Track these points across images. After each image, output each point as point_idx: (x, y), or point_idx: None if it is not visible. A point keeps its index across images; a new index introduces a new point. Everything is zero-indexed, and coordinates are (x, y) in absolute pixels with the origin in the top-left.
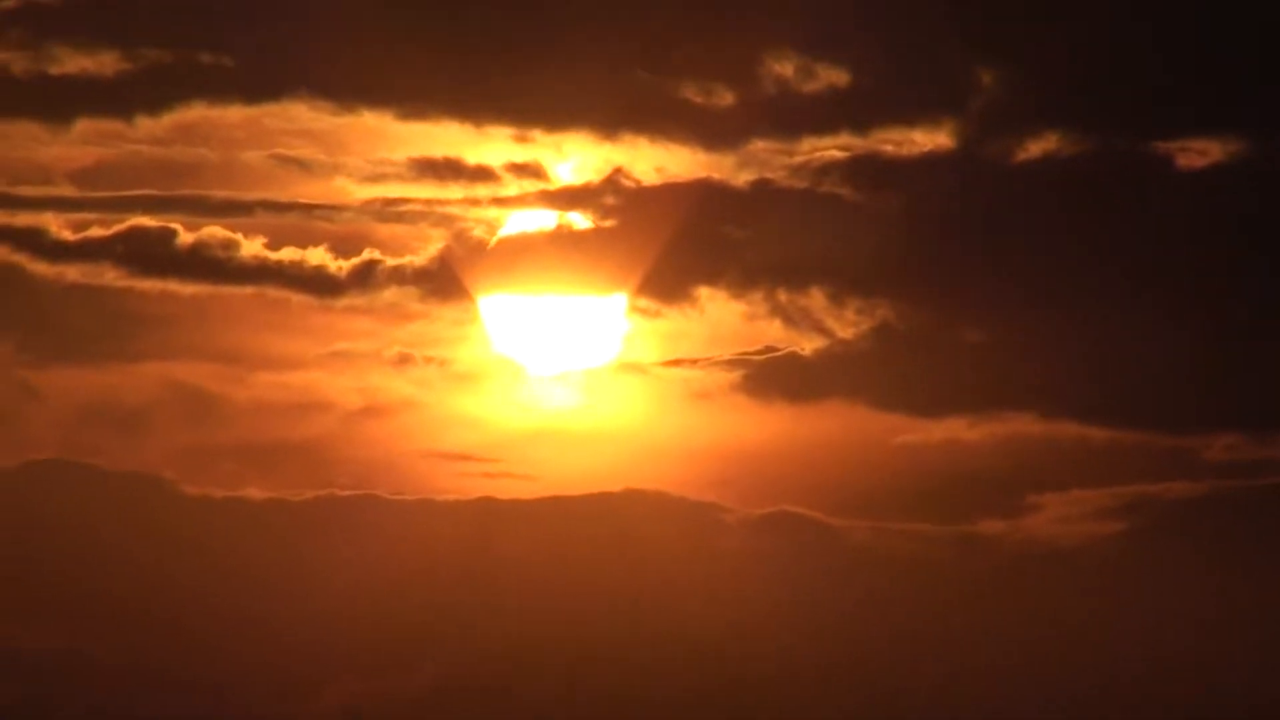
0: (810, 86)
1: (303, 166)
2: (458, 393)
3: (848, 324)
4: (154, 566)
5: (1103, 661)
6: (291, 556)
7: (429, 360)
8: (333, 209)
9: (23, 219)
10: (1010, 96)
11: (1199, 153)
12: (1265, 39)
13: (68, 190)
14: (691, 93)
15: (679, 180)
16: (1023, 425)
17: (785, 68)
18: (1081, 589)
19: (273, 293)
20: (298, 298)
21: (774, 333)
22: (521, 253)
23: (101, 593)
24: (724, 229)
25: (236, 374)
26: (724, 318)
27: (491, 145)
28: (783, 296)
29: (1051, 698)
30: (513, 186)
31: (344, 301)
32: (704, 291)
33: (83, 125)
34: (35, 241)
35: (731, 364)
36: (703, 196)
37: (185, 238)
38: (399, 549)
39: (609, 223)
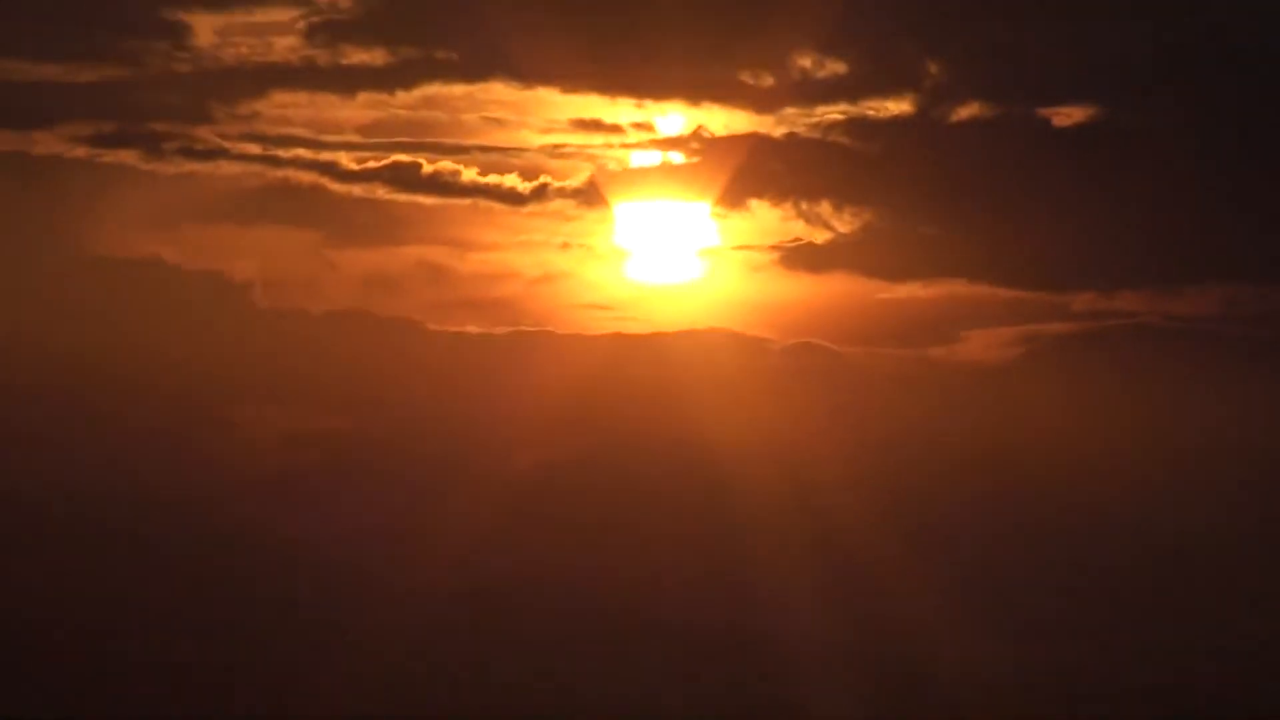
0: (822, 73)
1: (501, 124)
2: (599, 267)
3: (846, 223)
4: (416, 383)
5: (1006, 437)
6: (495, 371)
7: (581, 246)
8: (521, 151)
9: (324, 156)
10: (949, 79)
11: (1067, 115)
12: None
13: (353, 138)
14: (745, 77)
15: (739, 134)
16: (957, 287)
17: (806, 61)
18: (996, 394)
19: (483, 203)
20: (499, 206)
21: (799, 229)
22: (639, 178)
23: (373, 397)
24: (768, 164)
25: (460, 254)
26: (768, 219)
27: (620, 110)
28: (804, 206)
29: (977, 466)
30: (633, 136)
31: (528, 209)
32: (755, 203)
33: (363, 96)
34: (333, 170)
35: (773, 249)
36: (754, 144)
37: (428, 168)
38: (564, 364)
39: (695, 160)
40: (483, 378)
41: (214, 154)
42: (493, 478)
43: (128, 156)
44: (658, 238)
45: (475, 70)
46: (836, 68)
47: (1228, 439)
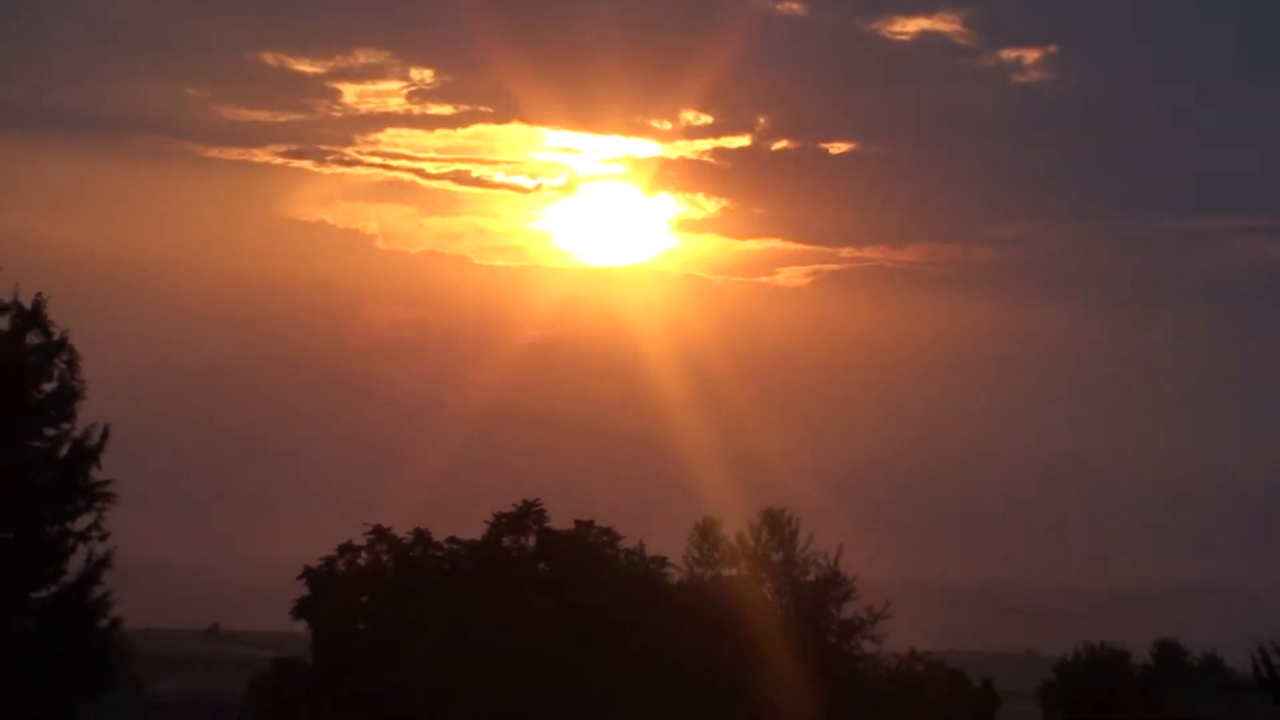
0: (698, 122)
1: (516, 147)
2: (575, 228)
3: (713, 207)
4: (465, 290)
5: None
6: (512, 288)
7: (563, 215)
8: (527, 162)
9: (416, 164)
10: (769, 124)
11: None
12: None
13: (433, 155)
14: (655, 123)
15: (652, 156)
16: (775, 243)
17: (690, 115)
18: (794, 305)
19: (507, 193)
20: (515, 194)
21: (686, 210)
22: (596, 180)
23: None
24: (668, 173)
25: (492, 220)
26: (668, 205)
27: (583, 139)
28: (688, 196)
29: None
30: (591, 155)
31: (531, 195)
32: (661, 194)
33: (438, 131)
34: (421, 172)
35: (672, 221)
36: (661, 163)
37: (475, 172)
38: (549, 284)
39: (626, 170)
40: (505, 290)
41: (354, 163)
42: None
43: (306, 163)
44: (609, 212)
45: (502, 118)
46: (706, 119)
47: (919, 337)
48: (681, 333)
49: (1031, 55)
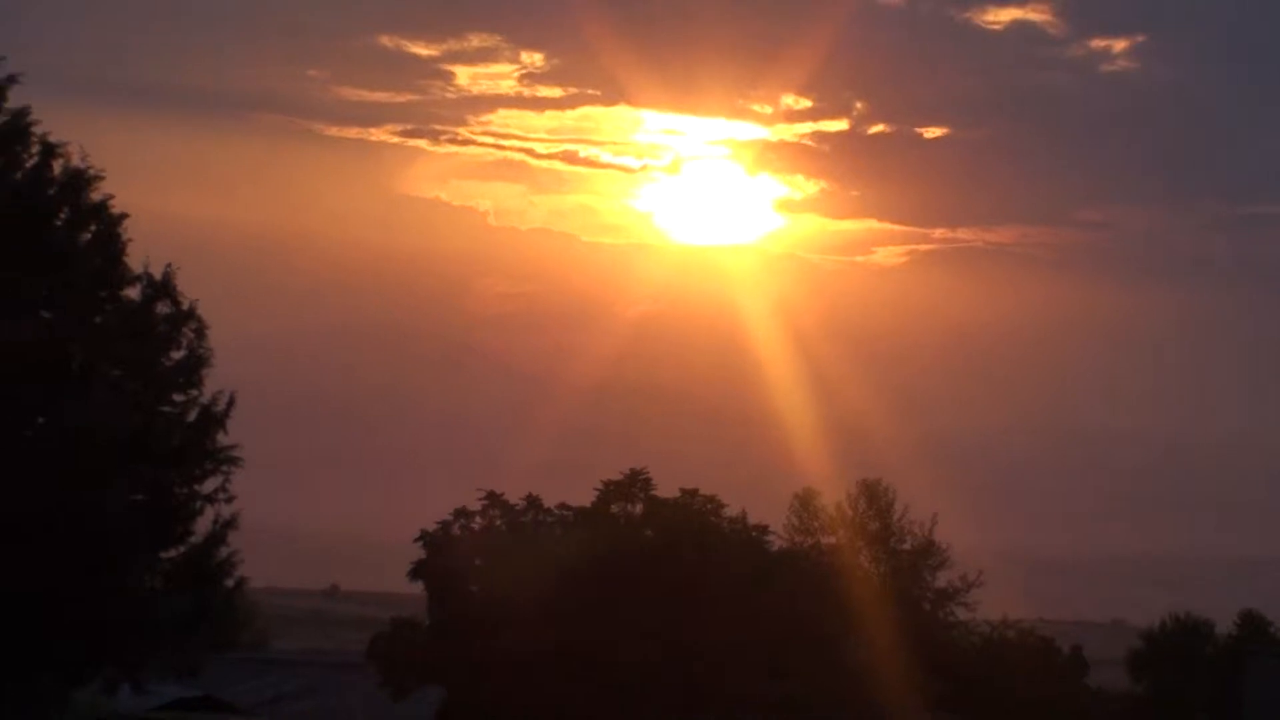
0: (798, 106)
1: (623, 129)
2: (678, 208)
3: (812, 188)
4: (572, 266)
5: (892, 301)
6: (613, 263)
7: (666, 195)
8: (633, 144)
9: (526, 145)
10: (867, 110)
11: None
12: None
13: (543, 135)
14: (756, 107)
15: (754, 140)
16: (872, 223)
17: (790, 99)
18: (891, 282)
19: (612, 173)
20: (621, 174)
21: (787, 193)
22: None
23: None
24: (768, 156)
25: (600, 199)
26: (770, 186)
27: (686, 121)
28: (788, 178)
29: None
30: (694, 137)
31: (636, 175)
32: (762, 175)
33: (548, 113)
34: (531, 152)
35: (774, 201)
36: (763, 146)
37: (583, 153)
38: (651, 260)
39: (728, 152)
40: (611, 267)
41: (467, 142)
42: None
43: (422, 142)
44: (711, 192)
45: (609, 100)
46: (806, 103)
47: (1009, 315)
48: (782, 309)
49: (1119, 44)
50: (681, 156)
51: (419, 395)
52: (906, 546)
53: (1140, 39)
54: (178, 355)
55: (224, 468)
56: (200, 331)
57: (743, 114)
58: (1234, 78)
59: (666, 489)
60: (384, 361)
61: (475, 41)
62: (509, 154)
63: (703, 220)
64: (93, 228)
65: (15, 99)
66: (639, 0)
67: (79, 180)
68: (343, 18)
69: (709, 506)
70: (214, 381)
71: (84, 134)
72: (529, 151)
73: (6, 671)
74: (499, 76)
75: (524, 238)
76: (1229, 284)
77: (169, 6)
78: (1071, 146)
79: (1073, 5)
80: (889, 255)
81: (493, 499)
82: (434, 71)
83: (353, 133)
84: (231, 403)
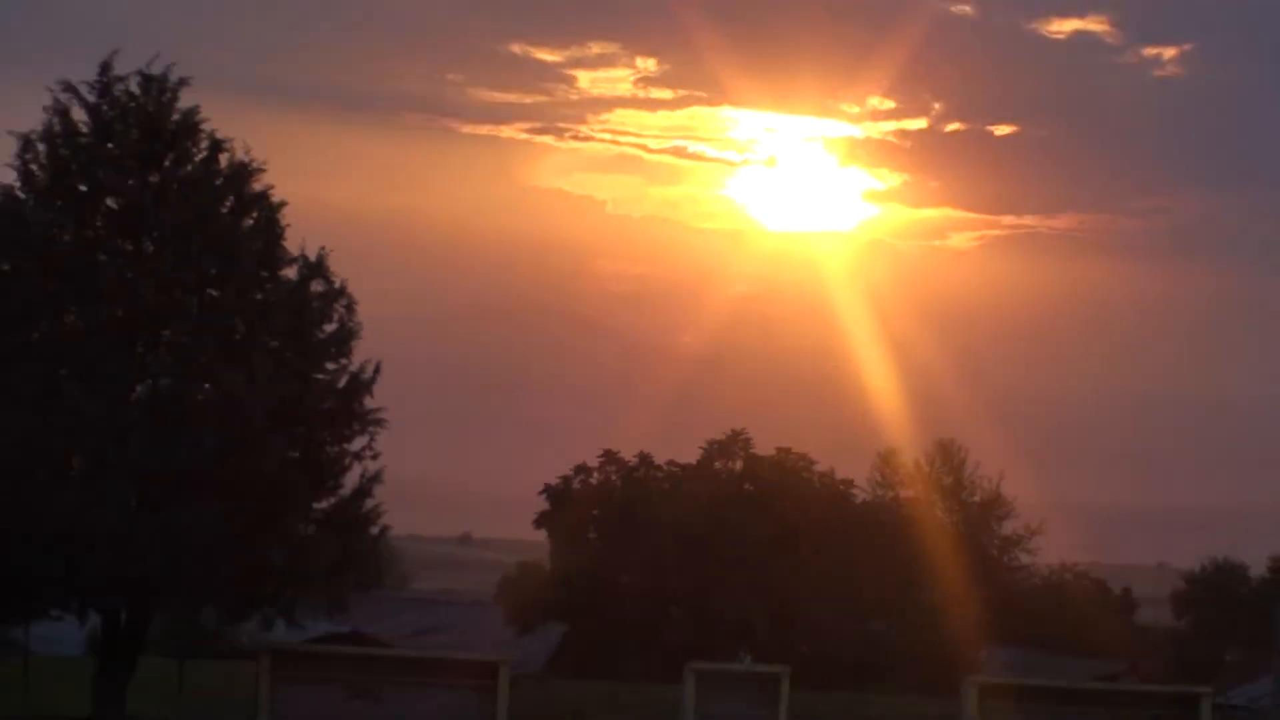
0: (882, 106)
1: (727, 127)
2: (777, 196)
3: (895, 180)
4: (679, 250)
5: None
6: (715, 248)
7: (767, 187)
8: (735, 139)
9: (641, 141)
10: (945, 110)
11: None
12: None
13: (656, 133)
14: (844, 106)
15: (841, 136)
16: (948, 211)
17: (875, 100)
18: (966, 264)
19: (717, 166)
20: (724, 167)
21: (872, 184)
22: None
23: None
24: (856, 152)
25: (705, 189)
26: (854, 177)
27: (782, 120)
28: (871, 171)
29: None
30: (791, 135)
31: (737, 168)
32: (847, 168)
33: (660, 113)
34: (645, 148)
35: (861, 193)
36: (852, 142)
37: (690, 149)
38: (750, 244)
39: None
40: (716, 251)
41: (588, 139)
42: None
43: (547, 139)
44: (805, 184)
45: (714, 101)
46: (889, 103)
47: (1070, 292)
48: (867, 289)
49: (1170, 52)
50: (777, 152)
51: (544, 364)
52: (976, 499)
53: (1188, 47)
54: (330, 328)
55: (370, 429)
56: (350, 307)
57: (833, 113)
58: (1273, 79)
59: (763, 448)
60: (514, 334)
61: (595, 49)
62: (625, 149)
63: (796, 209)
64: (254, 214)
65: (185, 99)
66: (742, 13)
67: (242, 172)
68: (478, 27)
69: (801, 463)
70: (362, 351)
71: (247, 130)
72: (643, 147)
73: (178, 609)
74: (616, 80)
75: (637, 225)
76: (1269, 263)
77: (323, 15)
78: (1125, 143)
79: (1129, 16)
80: (963, 240)
81: (609, 456)
82: (558, 75)
83: (485, 130)
84: (377, 371)
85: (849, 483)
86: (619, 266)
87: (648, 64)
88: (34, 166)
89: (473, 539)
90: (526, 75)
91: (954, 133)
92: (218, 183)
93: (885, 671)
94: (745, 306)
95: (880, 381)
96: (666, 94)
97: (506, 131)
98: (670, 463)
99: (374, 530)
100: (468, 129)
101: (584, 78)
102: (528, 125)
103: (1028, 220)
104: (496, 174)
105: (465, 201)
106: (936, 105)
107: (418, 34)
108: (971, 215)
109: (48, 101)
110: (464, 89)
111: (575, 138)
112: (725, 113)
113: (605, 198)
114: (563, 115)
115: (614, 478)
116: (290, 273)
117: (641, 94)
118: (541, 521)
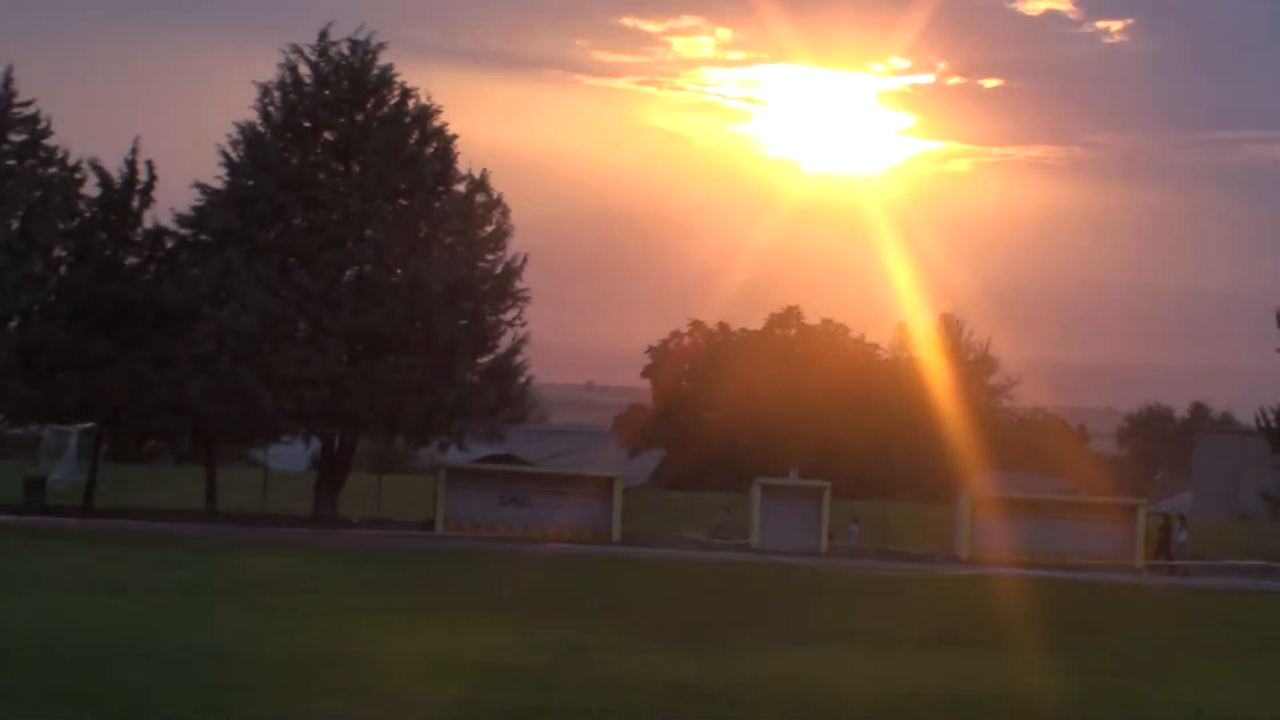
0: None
1: None
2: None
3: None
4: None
5: None
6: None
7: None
8: None
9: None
10: (971, 59)
11: None
12: None
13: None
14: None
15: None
16: None
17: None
18: None
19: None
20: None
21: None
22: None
23: None
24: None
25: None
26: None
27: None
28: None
29: None
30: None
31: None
32: None
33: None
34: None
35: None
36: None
37: None
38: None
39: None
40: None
41: (680, 90)
42: (779, 211)
43: (650, 89)
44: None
45: (776, 60)
46: (905, 62)
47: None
48: (890, 201)
49: (1117, 25)
50: (821, 99)
51: (647, 254)
52: (971, 358)
53: (1131, 20)
54: (489, 229)
55: (519, 303)
56: (505, 213)
57: (865, 69)
58: (1195, 46)
59: (811, 319)
60: (624, 232)
61: (686, 21)
62: (707, 98)
63: (836, 144)
64: (434, 145)
65: (383, 59)
66: None
67: (425, 113)
68: (599, 5)
69: (840, 331)
70: (514, 246)
71: (429, 82)
72: (721, 95)
73: (377, 436)
74: (700, 45)
75: (716, 156)
76: (1190, 184)
77: None
78: (1082, 93)
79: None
80: (961, 165)
81: (696, 325)
82: (657, 41)
83: (603, 83)
84: (524, 261)
85: (875, 346)
86: (702, 184)
87: (725, 33)
88: (270, 108)
89: (595, 385)
90: (634, 41)
91: (954, 85)
92: (406, 121)
93: (901, 486)
94: (800, 218)
95: (900, 269)
96: (740, 55)
97: (619, 84)
98: (742, 329)
99: (521, 379)
100: (590, 81)
101: (677, 43)
102: (635, 79)
103: (1010, 150)
104: (612, 116)
105: (589, 136)
106: (941, 64)
107: (556, 11)
108: (967, 146)
109: (280, 60)
110: (588, 51)
111: (671, 89)
112: (788, 69)
113: (692, 135)
114: (661, 72)
115: (700, 340)
116: (460, 188)
117: (720, 56)
118: (647, 372)
